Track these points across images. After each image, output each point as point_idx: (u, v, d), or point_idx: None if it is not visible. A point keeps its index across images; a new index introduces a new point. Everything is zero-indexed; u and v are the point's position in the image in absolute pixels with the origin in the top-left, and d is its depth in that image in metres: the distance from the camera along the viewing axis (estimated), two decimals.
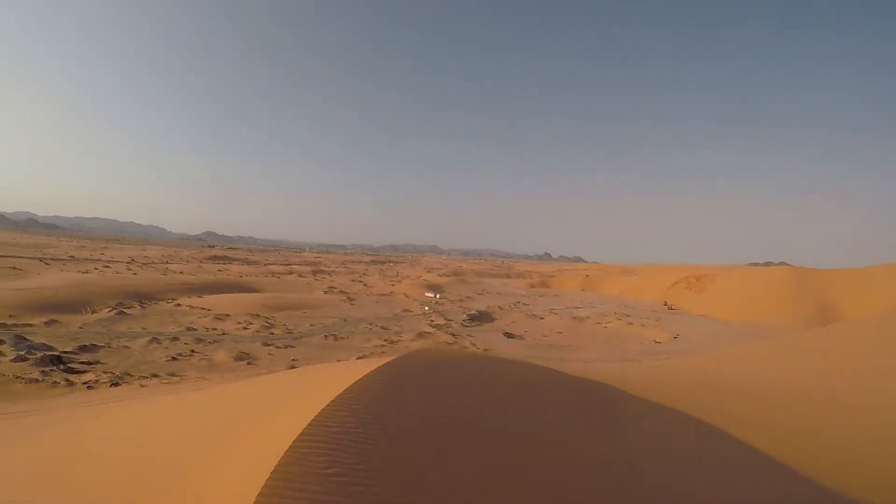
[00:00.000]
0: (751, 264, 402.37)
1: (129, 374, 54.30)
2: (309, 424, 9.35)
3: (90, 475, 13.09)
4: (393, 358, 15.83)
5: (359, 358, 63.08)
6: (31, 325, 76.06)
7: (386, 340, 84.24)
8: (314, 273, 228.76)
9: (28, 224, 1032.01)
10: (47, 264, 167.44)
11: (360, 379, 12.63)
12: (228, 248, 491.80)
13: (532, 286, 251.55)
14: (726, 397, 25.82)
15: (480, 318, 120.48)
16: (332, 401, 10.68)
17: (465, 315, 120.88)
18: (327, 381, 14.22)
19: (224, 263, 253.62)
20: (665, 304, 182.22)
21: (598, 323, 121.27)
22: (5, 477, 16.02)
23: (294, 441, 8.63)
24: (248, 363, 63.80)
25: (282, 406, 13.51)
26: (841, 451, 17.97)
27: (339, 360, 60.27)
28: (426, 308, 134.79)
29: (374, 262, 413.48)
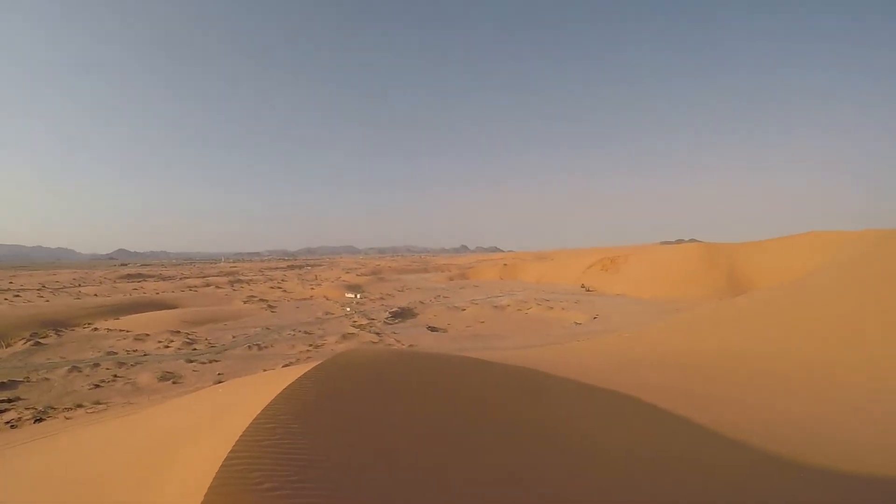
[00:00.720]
0: (662, 243, 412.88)
1: (52, 408, 53.41)
2: (238, 441, 9.35)
3: None
4: (315, 364, 16.29)
5: (285, 366, 63.21)
6: None
7: (311, 345, 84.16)
8: (232, 283, 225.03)
9: None
10: None
11: (284, 389, 12.78)
12: (142, 265, 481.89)
13: (451, 279, 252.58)
14: (644, 370, 27.11)
15: (403, 314, 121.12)
16: (258, 414, 10.81)
17: (387, 313, 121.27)
18: (254, 394, 14.34)
19: (139, 281, 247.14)
20: (582, 286, 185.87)
21: (518, 310, 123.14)
22: None
23: (225, 460, 8.59)
24: (174, 382, 63.28)
25: (211, 424, 13.65)
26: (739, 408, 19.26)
27: (265, 370, 60.49)
28: (348, 309, 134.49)
29: (291, 267, 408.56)
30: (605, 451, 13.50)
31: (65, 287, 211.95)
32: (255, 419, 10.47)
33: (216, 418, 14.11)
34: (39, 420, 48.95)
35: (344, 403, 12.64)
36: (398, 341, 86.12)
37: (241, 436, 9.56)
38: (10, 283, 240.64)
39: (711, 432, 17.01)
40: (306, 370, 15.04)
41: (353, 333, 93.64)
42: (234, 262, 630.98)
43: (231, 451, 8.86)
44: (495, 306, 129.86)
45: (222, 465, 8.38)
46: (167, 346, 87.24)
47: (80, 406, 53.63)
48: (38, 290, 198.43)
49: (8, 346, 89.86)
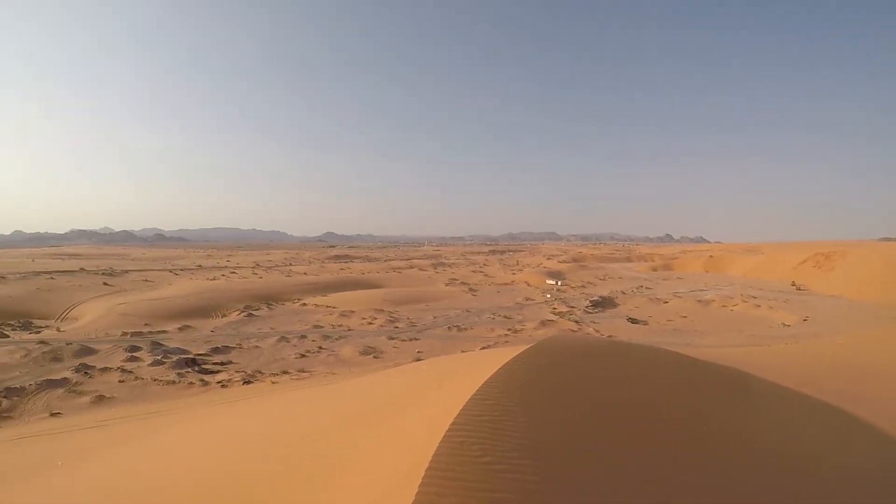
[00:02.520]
0: (883, 239, 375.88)
1: (260, 372, 56.80)
2: (459, 414, 9.48)
3: (249, 465, 13.32)
4: (529, 346, 16.19)
5: (482, 348, 63.05)
6: (165, 332, 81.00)
7: (509, 330, 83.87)
8: (435, 266, 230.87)
9: (156, 239, 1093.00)
10: (177, 275, 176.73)
11: (501, 368, 12.72)
12: (349, 247, 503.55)
13: (654, 269, 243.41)
14: (869, 382, 23.98)
15: (603, 303, 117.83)
16: (477, 390, 10.81)
17: (587, 301, 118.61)
18: (464, 372, 14.92)
19: (346, 262, 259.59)
20: (793, 284, 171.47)
21: (723, 306, 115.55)
22: (163, 459, 16.41)
23: (447, 431, 8.72)
24: (375, 357, 65.12)
25: (421, 397, 14.04)
26: None
27: (462, 351, 60.56)
28: (548, 296, 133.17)
29: (493, 252, 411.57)
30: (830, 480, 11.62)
31: (277, 266, 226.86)
32: (474, 395, 10.50)
33: (427, 392, 14.43)
34: (248, 382, 52.14)
35: (555, 385, 12.47)
36: (597, 331, 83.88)
37: (462, 409, 9.66)
38: (228, 261, 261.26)
39: None
40: (520, 351, 14.81)
41: (552, 320, 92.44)
42: (437, 245, 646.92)
43: (453, 423, 9.05)
44: (699, 300, 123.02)
45: (445, 436, 8.56)
46: (370, 323, 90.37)
47: (285, 372, 56.52)
48: (252, 268, 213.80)
49: (224, 316, 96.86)
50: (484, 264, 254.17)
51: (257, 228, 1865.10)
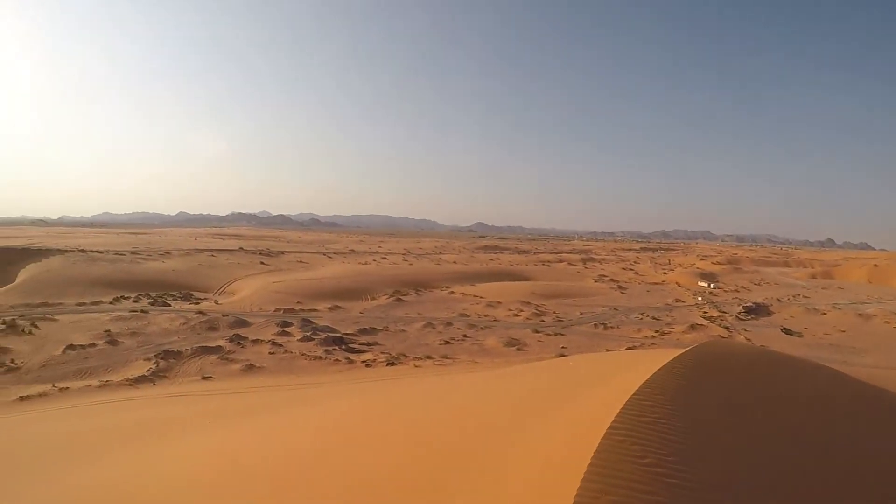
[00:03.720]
0: None
1: (404, 355, 57.95)
2: (619, 413, 9.46)
3: (395, 437, 13.50)
4: (685, 350, 16.02)
5: (628, 348, 61.85)
6: (316, 311, 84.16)
7: (657, 332, 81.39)
8: (584, 261, 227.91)
9: (311, 224, 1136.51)
10: (330, 258, 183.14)
11: (659, 370, 12.71)
12: (498, 238, 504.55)
13: (813, 276, 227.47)
14: None
15: (756, 310, 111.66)
16: (636, 391, 10.77)
17: (740, 307, 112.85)
18: (619, 372, 14.84)
19: (495, 253, 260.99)
20: None
21: (886, 322, 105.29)
22: (304, 432, 16.92)
23: (609, 429, 8.72)
24: (518, 349, 64.92)
25: (575, 393, 13.83)
26: None
27: (607, 350, 59.57)
28: (699, 298, 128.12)
29: (644, 250, 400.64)
30: None
31: (427, 254, 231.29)
32: (633, 395, 10.49)
33: (582, 388, 14.19)
34: (391, 364, 53.35)
35: (712, 393, 12.31)
36: (748, 339, 79.76)
37: (622, 409, 9.67)
38: (379, 247, 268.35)
39: None
40: (677, 354, 14.71)
41: (701, 325, 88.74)
42: (587, 240, 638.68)
43: (614, 421, 9.07)
44: (860, 314, 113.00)
45: (606, 434, 8.57)
46: (516, 315, 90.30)
47: (429, 357, 57.37)
48: (403, 254, 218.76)
49: (373, 299, 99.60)
50: (634, 262, 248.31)
51: (408, 217, 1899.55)
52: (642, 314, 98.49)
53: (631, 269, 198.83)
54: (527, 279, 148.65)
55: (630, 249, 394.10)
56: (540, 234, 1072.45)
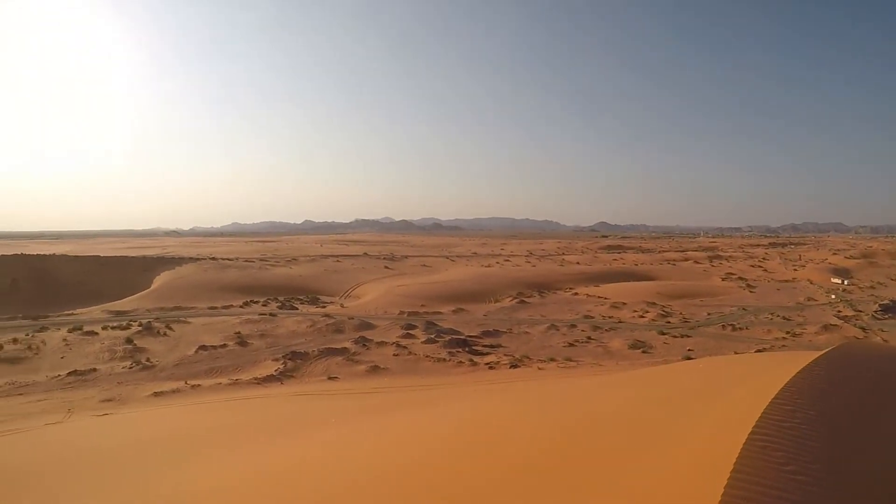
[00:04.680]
0: None
1: (527, 358, 57.73)
2: (760, 417, 9.13)
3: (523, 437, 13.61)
4: (824, 352, 15.02)
5: (757, 351, 59.57)
6: (440, 313, 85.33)
7: (788, 333, 77.44)
8: (710, 259, 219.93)
9: (433, 228, 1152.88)
10: (453, 261, 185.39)
11: (798, 373, 11.95)
12: (622, 238, 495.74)
13: None
14: None
15: (894, 309, 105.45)
16: (775, 395, 10.28)
17: (876, 305, 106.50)
18: (751, 375, 14.48)
19: (618, 252, 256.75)
20: None
21: None
22: (429, 435, 17.35)
23: (750, 434, 8.44)
24: (643, 352, 63.61)
25: (709, 397, 13.42)
26: None
27: (736, 353, 57.53)
28: (832, 296, 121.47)
29: (773, 245, 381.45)
30: None
31: (549, 255, 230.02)
32: (773, 399, 10.02)
33: (715, 392, 13.77)
34: (515, 366, 53.21)
35: (850, 396, 11.60)
36: (885, 340, 75.36)
37: (762, 414, 9.27)
38: (502, 249, 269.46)
39: None
40: (815, 357, 13.98)
41: (835, 325, 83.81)
42: (713, 237, 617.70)
43: (755, 426, 8.67)
44: None
45: (749, 438, 8.25)
46: (641, 316, 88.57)
47: (552, 360, 56.91)
48: (525, 256, 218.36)
49: (496, 301, 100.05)
50: (763, 258, 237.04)
51: (530, 218, 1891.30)
52: (772, 314, 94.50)
53: (759, 266, 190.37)
54: (651, 279, 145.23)
55: (758, 245, 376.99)
56: (664, 231, 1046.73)
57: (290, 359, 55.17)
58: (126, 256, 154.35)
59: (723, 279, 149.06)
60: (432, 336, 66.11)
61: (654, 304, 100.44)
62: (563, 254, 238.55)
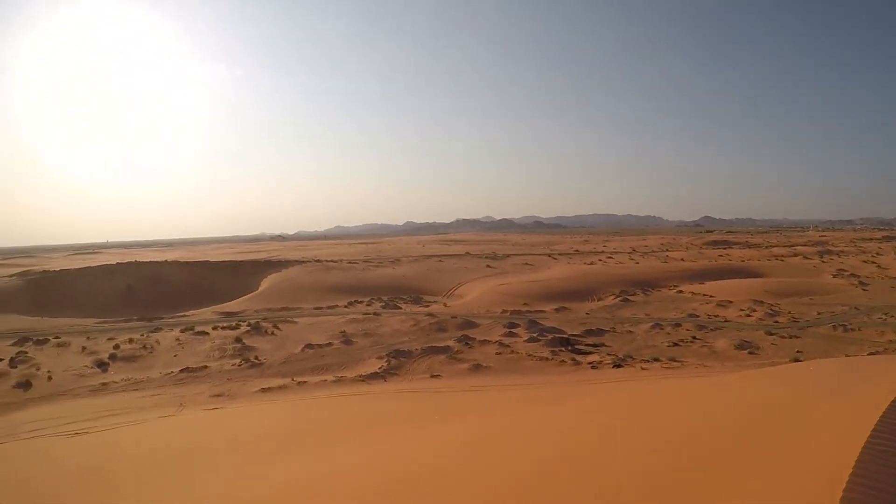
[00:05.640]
0: None
1: (631, 357, 57.22)
2: (879, 421, 9.06)
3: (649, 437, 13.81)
4: None
5: (870, 353, 57.36)
6: (542, 312, 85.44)
7: None
8: (821, 254, 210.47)
9: (534, 226, 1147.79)
10: (555, 259, 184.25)
11: None
12: (727, 232, 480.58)
13: None
14: None
15: None
16: (894, 399, 10.15)
17: None
18: (865, 379, 14.56)
19: (724, 248, 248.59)
20: None
21: None
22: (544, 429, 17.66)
23: (869, 438, 8.38)
24: (750, 353, 61.49)
25: (821, 400, 13.08)
26: None
27: (847, 355, 55.45)
28: None
29: (887, 239, 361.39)
30: None
31: (653, 251, 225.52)
32: (892, 402, 9.95)
33: (827, 395, 13.48)
34: (618, 366, 52.87)
35: None
36: None
37: (881, 417, 9.24)
38: (604, 246, 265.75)
39: None
40: None
41: None
42: (823, 230, 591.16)
43: (874, 430, 8.64)
44: None
45: (867, 443, 8.19)
46: (748, 315, 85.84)
47: (656, 360, 56.20)
48: (628, 253, 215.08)
49: (599, 299, 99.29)
50: (877, 253, 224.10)
51: (632, 214, 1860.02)
52: (886, 314, 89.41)
53: (872, 262, 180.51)
54: (759, 276, 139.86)
55: (871, 239, 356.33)
56: (771, 225, 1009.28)
57: (393, 357, 56.55)
58: (234, 261, 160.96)
59: (833, 276, 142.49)
60: (535, 335, 66.21)
61: (762, 302, 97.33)
62: (667, 250, 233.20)
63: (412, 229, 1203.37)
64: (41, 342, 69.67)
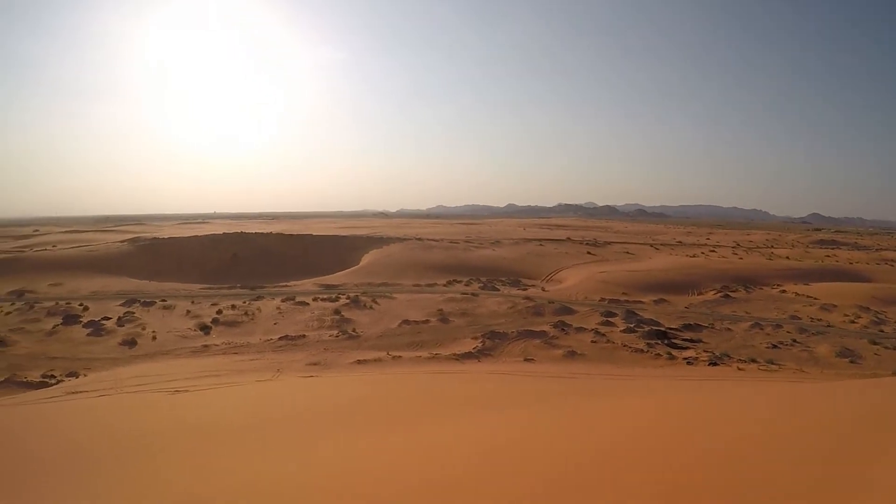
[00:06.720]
0: None
1: (727, 356, 56.14)
2: None
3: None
4: None
5: None
6: (641, 302, 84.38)
7: None
8: None
9: (637, 214, 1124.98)
10: (657, 249, 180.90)
11: None
12: (836, 231, 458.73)
13: None
14: None
15: None
16: None
17: None
18: None
19: (832, 248, 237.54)
20: None
21: None
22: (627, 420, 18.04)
23: None
24: (851, 361, 58.75)
25: None
26: None
27: None
28: None
29: None
30: None
31: (757, 247, 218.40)
32: None
33: None
34: (714, 364, 52.13)
35: None
36: None
37: None
38: (708, 239, 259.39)
39: None
40: None
41: None
42: None
43: None
44: None
45: None
46: (853, 322, 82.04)
47: (753, 361, 54.88)
48: (732, 247, 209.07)
49: (699, 294, 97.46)
50: None
51: (738, 206, 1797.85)
52: None
53: None
54: (867, 280, 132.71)
55: None
56: (883, 227, 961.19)
57: (488, 338, 57.43)
58: (337, 235, 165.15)
59: None
60: (631, 325, 65.78)
61: (868, 308, 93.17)
62: (772, 247, 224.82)
63: (514, 212, 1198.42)
64: (148, 304, 74.31)
